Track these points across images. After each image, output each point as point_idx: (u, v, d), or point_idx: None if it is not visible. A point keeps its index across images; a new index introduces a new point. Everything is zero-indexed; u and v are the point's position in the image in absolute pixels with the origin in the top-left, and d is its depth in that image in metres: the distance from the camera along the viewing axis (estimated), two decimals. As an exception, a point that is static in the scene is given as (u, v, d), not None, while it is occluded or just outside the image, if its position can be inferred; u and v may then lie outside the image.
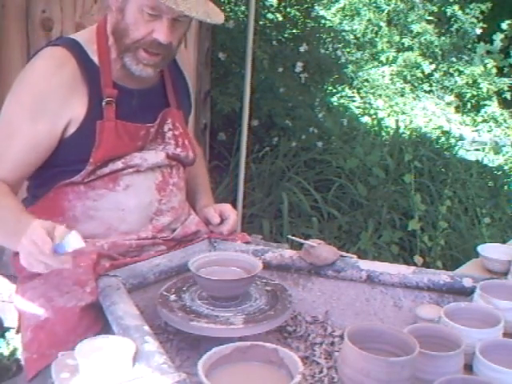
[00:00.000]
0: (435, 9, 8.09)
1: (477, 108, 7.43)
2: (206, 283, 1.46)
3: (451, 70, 7.70)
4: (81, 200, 1.61)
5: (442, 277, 1.56)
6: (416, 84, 7.66)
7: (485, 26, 7.80)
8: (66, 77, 1.55)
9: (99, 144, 1.57)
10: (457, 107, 7.48)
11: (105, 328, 1.38)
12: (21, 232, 1.37)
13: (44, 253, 1.31)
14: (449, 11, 8.02)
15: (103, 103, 1.57)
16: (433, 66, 7.70)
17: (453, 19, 8.04)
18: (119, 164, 1.61)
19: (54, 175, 1.61)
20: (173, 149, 1.71)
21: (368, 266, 1.62)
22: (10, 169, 1.57)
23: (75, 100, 1.56)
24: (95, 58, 1.60)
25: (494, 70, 7.51)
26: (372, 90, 7.15)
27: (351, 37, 7.39)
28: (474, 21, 7.93)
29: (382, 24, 8.00)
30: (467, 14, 7.95)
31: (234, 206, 3.57)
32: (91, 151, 1.57)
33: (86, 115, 1.56)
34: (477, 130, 6.95)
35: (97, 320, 1.42)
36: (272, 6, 5.27)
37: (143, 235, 1.65)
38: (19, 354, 2.17)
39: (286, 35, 5.00)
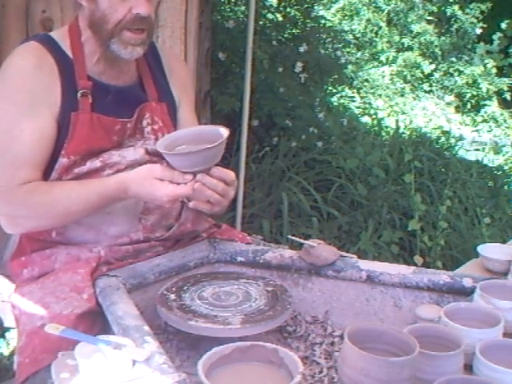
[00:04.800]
0: (435, 9, 8.10)
1: (477, 108, 7.44)
2: (175, 159, 1.45)
3: (451, 70, 7.71)
4: None
5: (442, 277, 1.56)
6: (416, 84, 7.67)
7: (485, 25, 7.82)
8: (46, 68, 1.55)
9: (72, 135, 1.55)
10: (457, 107, 7.49)
11: (100, 334, 1.38)
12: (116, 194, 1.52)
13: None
14: (449, 11, 8.03)
15: (78, 95, 1.56)
16: (433, 66, 7.71)
17: (453, 19, 8.05)
18: (97, 163, 1.58)
19: None
20: (152, 144, 1.67)
21: (368, 266, 1.62)
22: (33, 168, 1.53)
23: (56, 91, 1.55)
24: (69, 52, 1.59)
25: (494, 70, 7.52)
26: (372, 90, 7.16)
27: (351, 37, 7.39)
28: (474, 21, 7.95)
29: (382, 24, 8.01)
30: (467, 13, 7.96)
31: (234, 206, 3.58)
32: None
33: (60, 107, 1.55)
34: (477, 130, 6.96)
35: (93, 326, 1.42)
36: (272, 6, 5.27)
37: (135, 237, 1.63)
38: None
39: (285, 35, 5.00)
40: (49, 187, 1.53)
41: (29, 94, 1.53)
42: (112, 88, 1.63)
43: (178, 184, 1.47)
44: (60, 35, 1.62)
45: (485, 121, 7.22)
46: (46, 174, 1.56)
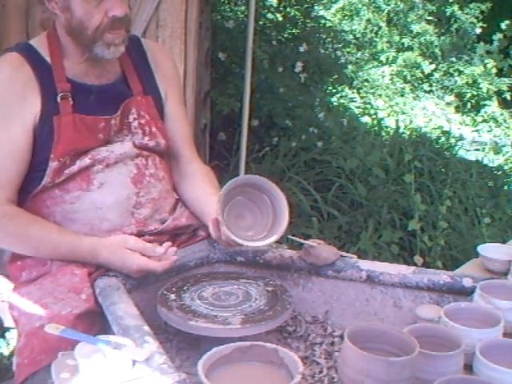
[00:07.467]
0: (435, 9, 8.10)
1: (477, 108, 7.44)
2: None
3: (451, 70, 7.71)
4: (58, 205, 1.60)
5: (442, 277, 1.56)
6: (416, 84, 7.67)
7: (484, 25, 7.82)
8: (21, 77, 1.57)
9: (58, 139, 1.56)
10: (457, 107, 7.49)
11: (99, 334, 1.37)
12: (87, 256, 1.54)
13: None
14: (448, 11, 8.04)
15: (58, 98, 1.58)
16: (433, 66, 7.72)
17: (452, 19, 8.06)
18: (87, 160, 1.60)
19: (26, 183, 1.60)
20: (140, 138, 1.68)
21: (368, 266, 1.62)
22: (5, 186, 1.56)
23: (32, 99, 1.57)
24: (48, 58, 1.62)
25: (494, 70, 7.52)
26: (372, 90, 7.16)
27: (351, 37, 7.40)
28: (474, 21, 7.95)
29: (382, 24, 8.01)
30: (467, 13, 7.97)
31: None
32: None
33: (41, 113, 1.57)
34: (477, 130, 6.95)
35: (92, 326, 1.42)
36: (272, 6, 5.27)
37: (128, 231, 1.63)
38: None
39: (285, 35, 5.00)
40: (27, 221, 1.56)
41: (1, 106, 1.57)
42: (95, 88, 1.65)
43: (149, 257, 1.50)
44: (39, 42, 1.65)
45: (485, 121, 7.22)
46: (37, 180, 1.58)
